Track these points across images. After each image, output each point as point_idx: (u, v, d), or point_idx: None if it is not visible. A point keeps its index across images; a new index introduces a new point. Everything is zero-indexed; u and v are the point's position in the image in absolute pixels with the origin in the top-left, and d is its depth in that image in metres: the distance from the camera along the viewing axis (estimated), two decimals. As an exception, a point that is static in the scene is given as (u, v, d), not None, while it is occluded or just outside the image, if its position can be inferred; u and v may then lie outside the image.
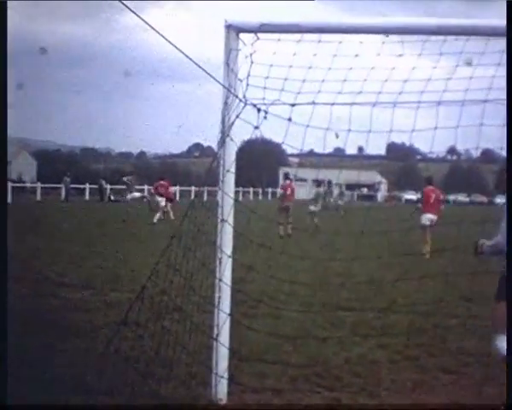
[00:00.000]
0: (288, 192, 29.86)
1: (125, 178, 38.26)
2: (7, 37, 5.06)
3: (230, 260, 6.07)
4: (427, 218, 23.08)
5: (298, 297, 12.29)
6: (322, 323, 10.34)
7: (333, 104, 5.92)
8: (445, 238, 15.94)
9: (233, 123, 5.99)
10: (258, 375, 7.62)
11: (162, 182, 36.26)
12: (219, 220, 6.08)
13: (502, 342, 6.31)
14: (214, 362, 6.18)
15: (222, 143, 6.07)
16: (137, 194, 35.16)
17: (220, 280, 6.04)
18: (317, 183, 37.21)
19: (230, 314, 6.10)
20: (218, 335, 6.13)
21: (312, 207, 33.69)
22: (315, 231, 28.14)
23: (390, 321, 10.68)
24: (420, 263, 17.97)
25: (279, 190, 32.47)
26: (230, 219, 6.12)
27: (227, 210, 6.10)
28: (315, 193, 35.38)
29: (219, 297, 6.07)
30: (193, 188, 55.77)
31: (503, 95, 5.73)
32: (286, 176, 33.09)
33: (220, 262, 6.04)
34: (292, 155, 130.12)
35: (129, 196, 35.94)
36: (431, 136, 6.17)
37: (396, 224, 25.06)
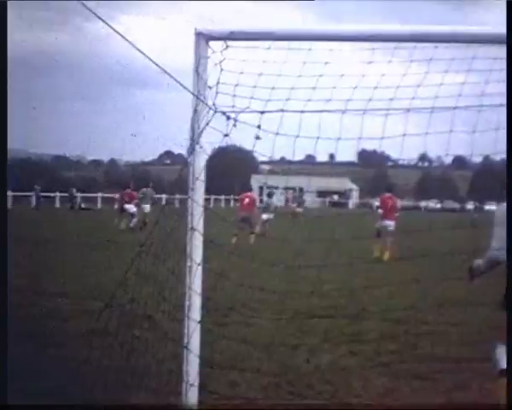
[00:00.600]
0: (245, 202, 29.12)
1: (143, 189, 37.61)
2: (7, 37, 5.02)
3: (200, 267, 6.03)
4: (384, 224, 23.72)
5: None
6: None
7: (302, 112, 5.91)
8: (413, 245, 15.99)
9: (202, 131, 5.96)
10: (230, 383, 7.60)
11: (128, 191, 36.37)
12: (189, 228, 6.04)
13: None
14: (184, 370, 6.13)
15: (191, 150, 6.04)
16: (149, 207, 34.86)
17: (190, 288, 6.01)
18: (269, 191, 37.57)
19: (200, 322, 6.06)
20: (188, 343, 6.08)
21: (265, 216, 33.90)
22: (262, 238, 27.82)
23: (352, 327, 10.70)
24: (381, 269, 18.11)
25: (238, 199, 31.41)
26: (200, 227, 6.08)
27: (197, 218, 6.07)
28: (266, 201, 35.79)
29: (189, 305, 6.03)
30: (164, 196, 55.59)
31: (474, 101, 5.76)
32: (244, 186, 33.26)
33: (190, 270, 6.01)
34: (263, 163, 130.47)
35: (142, 206, 35.50)
36: (402, 142, 6.17)
37: (360, 231, 25.00)
